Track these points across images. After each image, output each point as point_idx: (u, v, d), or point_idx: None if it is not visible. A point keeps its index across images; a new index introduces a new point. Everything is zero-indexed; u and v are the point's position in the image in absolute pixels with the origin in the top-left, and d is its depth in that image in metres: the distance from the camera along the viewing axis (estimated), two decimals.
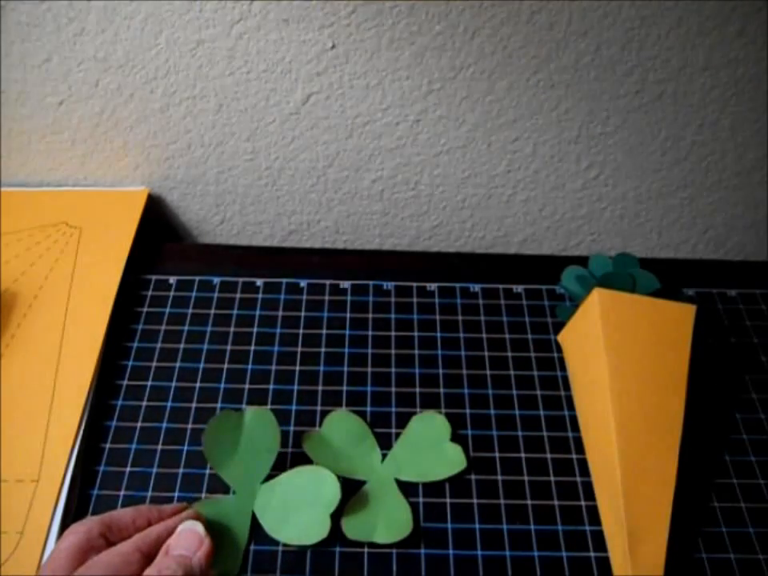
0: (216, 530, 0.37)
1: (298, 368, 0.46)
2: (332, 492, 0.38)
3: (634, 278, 0.44)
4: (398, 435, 0.43)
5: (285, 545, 0.38)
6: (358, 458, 0.41)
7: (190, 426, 0.43)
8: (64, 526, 0.38)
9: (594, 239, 0.59)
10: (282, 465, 0.41)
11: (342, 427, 0.43)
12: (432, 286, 0.51)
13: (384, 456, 0.42)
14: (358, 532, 0.38)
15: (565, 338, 0.46)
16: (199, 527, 0.34)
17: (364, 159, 0.53)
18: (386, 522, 0.39)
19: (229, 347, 0.47)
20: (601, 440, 0.40)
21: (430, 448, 0.42)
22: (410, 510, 0.39)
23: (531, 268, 0.53)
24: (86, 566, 0.31)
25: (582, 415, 0.43)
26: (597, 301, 0.42)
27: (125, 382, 0.45)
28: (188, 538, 0.33)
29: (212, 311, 0.49)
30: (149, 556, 0.32)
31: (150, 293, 0.50)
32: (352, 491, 0.40)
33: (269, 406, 0.44)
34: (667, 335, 0.41)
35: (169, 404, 0.44)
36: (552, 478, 0.41)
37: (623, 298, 0.42)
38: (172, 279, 0.51)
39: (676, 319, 0.42)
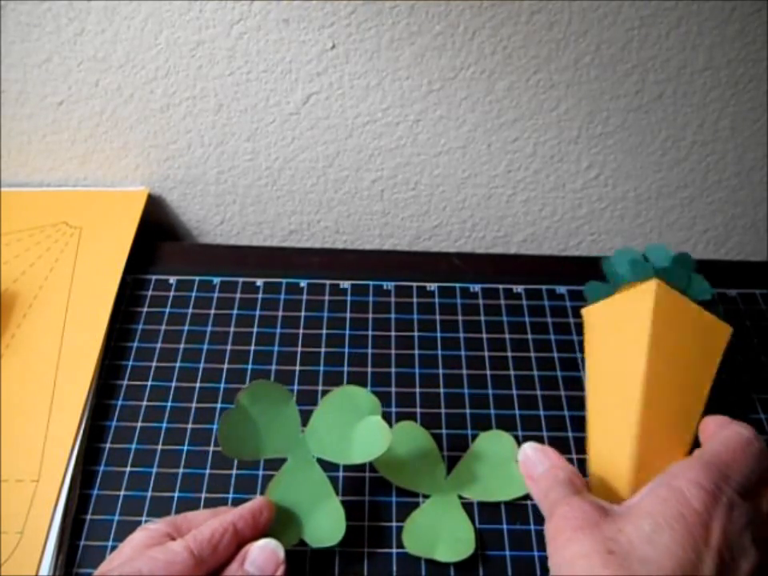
0: (302, 499, 0.37)
1: (298, 368, 0.46)
2: (368, 400, 0.38)
3: (690, 281, 0.43)
4: None
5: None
6: (424, 471, 0.41)
7: (189, 425, 0.43)
8: (64, 526, 0.38)
9: (594, 239, 0.59)
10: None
11: (409, 438, 0.42)
12: (432, 286, 0.51)
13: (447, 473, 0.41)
14: (420, 546, 0.38)
15: (593, 312, 0.44)
16: (280, 551, 0.34)
17: (364, 159, 0.53)
18: (449, 540, 0.38)
19: (229, 347, 0.47)
20: (615, 431, 0.39)
21: (497, 467, 0.41)
22: (473, 529, 0.39)
23: (531, 268, 0.52)
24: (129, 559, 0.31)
25: (597, 399, 0.41)
26: (653, 290, 0.41)
27: (125, 382, 0.45)
28: (267, 558, 0.33)
29: (212, 311, 0.49)
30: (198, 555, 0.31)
31: (149, 293, 0.50)
32: (414, 505, 0.39)
33: None
34: (703, 347, 0.41)
35: (169, 404, 0.44)
36: None
37: (678, 299, 0.41)
38: (172, 279, 0.50)
39: (713, 335, 0.41)
